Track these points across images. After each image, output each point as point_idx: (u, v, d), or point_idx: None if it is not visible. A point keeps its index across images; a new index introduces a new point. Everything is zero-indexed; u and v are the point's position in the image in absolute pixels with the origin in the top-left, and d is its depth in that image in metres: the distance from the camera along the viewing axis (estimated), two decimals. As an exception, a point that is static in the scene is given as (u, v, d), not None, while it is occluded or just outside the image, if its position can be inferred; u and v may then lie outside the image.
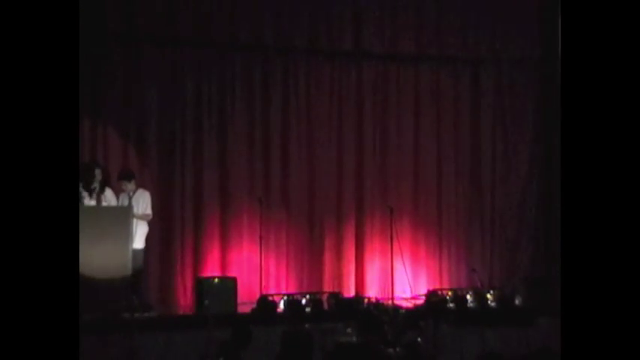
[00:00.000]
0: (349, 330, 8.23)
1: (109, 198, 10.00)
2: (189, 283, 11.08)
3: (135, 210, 9.97)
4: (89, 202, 9.73)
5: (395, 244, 11.39)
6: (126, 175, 10.27)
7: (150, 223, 10.38)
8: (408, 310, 10.22)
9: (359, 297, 11.06)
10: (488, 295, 11.05)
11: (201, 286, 10.28)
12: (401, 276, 11.64)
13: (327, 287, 11.52)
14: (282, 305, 10.23)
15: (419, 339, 8.16)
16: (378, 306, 10.18)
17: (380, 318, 8.71)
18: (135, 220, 9.91)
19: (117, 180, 10.29)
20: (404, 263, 11.65)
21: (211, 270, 11.14)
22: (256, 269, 11.00)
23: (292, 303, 10.29)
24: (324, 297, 10.72)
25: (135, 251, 9.81)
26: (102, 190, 9.92)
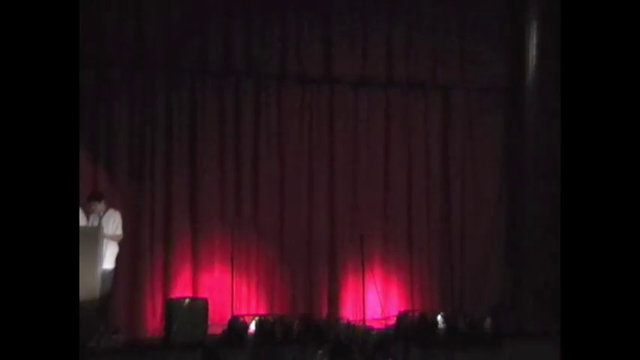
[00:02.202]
0: (320, 352, 8.21)
1: (79, 218, 9.93)
2: (158, 304, 11.00)
3: (105, 230, 9.92)
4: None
5: (366, 268, 11.40)
6: (95, 197, 10.23)
7: (119, 244, 10.32)
8: (379, 331, 10.24)
9: (330, 320, 11.05)
10: (458, 319, 11.09)
11: (171, 307, 10.20)
12: (372, 299, 11.65)
13: (299, 310, 11.47)
14: (252, 327, 10.19)
15: (388, 363, 8.18)
16: (348, 330, 10.18)
17: (350, 342, 8.73)
18: (105, 241, 9.86)
19: (87, 201, 10.24)
20: (375, 287, 11.67)
21: (182, 291, 11.06)
22: (227, 291, 10.97)
23: (263, 325, 10.24)
24: (295, 320, 10.68)
25: (104, 272, 9.76)
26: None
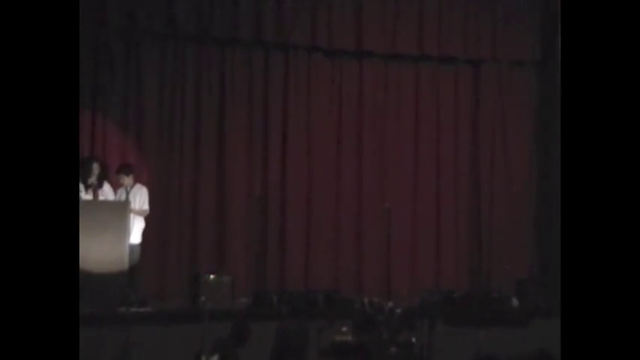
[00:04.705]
0: (345, 329, 8.22)
1: (107, 192, 10.02)
2: (185, 278, 11.06)
3: (132, 205, 9.98)
4: (86, 196, 9.73)
5: (392, 243, 11.39)
6: (124, 170, 10.27)
7: (147, 219, 10.38)
8: (403, 309, 10.23)
9: (355, 295, 11.07)
10: (485, 296, 11.05)
11: (198, 281, 10.26)
12: (398, 275, 11.65)
13: (324, 285, 11.46)
14: (278, 302, 10.24)
15: (414, 339, 8.17)
16: (373, 305, 10.18)
17: (375, 317, 8.72)
18: (132, 215, 9.91)
19: (115, 174, 10.29)
20: (401, 263, 11.67)
21: (208, 266, 11.09)
22: (253, 266, 11.00)
23: (288, 300, 10.29)
24: (321, 295, 10.71)
25: (132, 246, 9.83)
26: (100, 185, 9.93)
